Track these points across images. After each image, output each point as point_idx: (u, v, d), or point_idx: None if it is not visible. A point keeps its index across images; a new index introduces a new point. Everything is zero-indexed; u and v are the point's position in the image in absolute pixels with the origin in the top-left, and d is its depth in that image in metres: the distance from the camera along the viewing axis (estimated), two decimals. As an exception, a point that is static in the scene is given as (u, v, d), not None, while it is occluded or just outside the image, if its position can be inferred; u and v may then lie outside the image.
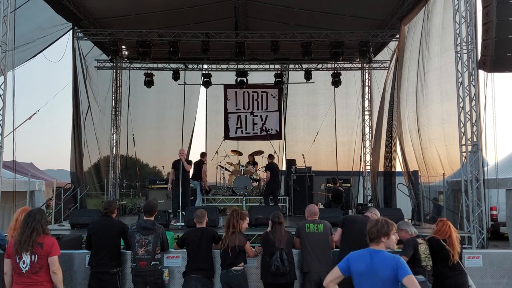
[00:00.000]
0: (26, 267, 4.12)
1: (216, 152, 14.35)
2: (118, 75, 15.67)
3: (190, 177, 10.52)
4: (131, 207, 13.45)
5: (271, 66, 16.07)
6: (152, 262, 5.27)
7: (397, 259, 3.39)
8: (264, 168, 13.23)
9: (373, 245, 3.47)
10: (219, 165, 13.95)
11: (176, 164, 9.88)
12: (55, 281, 4.23)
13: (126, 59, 15.69)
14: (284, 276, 5.26)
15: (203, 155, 11.65)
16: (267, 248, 5.41)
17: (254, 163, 13.13)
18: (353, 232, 5.43)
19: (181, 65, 15.68)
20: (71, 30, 12.07)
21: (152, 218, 5.52)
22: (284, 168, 15.02)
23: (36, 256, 4.15)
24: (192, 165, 10.63)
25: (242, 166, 12.99)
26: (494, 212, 13.03)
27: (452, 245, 4.91)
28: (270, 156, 11.63)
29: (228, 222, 5.48)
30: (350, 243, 5.43)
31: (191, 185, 10.82)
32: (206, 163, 11.58)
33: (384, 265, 3.33)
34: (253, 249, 5.64)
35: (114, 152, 15.48)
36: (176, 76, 15.34)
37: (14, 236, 4.44)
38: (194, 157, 15.20)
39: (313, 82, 15.73)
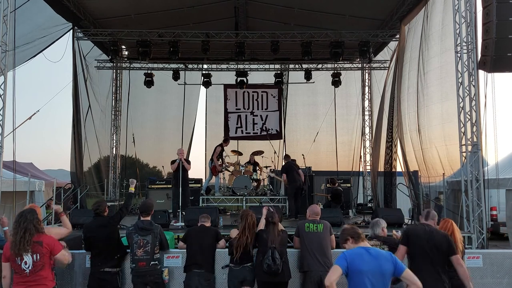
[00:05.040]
0: (29, 267, 4.12)
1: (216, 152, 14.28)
2: (118, 75, 15.69)
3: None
4: (131, 207, 13.40)
5: (271, 66, 16.06)
6: (151, 262, 5.29)
7: (392, 254, 3.55)
8: (266, 168, 13.24)
9: (360, 243, 3.63)
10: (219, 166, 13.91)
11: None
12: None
13: (126, 59, 15.70)
14: (278, 275, 5.25)
15: (224, 140, 13.14)
16: (260, 247, 5.45)
17: (255, 164, 13.10)
18: None
19: (181, 65, 15.67)
20: (71, 30, 12.04)
21: (149, 218, 5.51)
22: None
23: (38, 254, 4.14)
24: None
25: (242, 166, 12.97)
26: (494, 212, 13.04)
27: (455, 243, 4.85)
28: (286, 157, 11.39)
29: (251, 221, 5.49)
30: None
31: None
32: (222, 147, 12.67)
33: (385, 260, 3.46)
34: None
35: (114, 152, 15.49)
36: (176, 76, 15.33)
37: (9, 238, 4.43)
38: (194, 157, 15.22)
39: (313, 82, 15.72)
